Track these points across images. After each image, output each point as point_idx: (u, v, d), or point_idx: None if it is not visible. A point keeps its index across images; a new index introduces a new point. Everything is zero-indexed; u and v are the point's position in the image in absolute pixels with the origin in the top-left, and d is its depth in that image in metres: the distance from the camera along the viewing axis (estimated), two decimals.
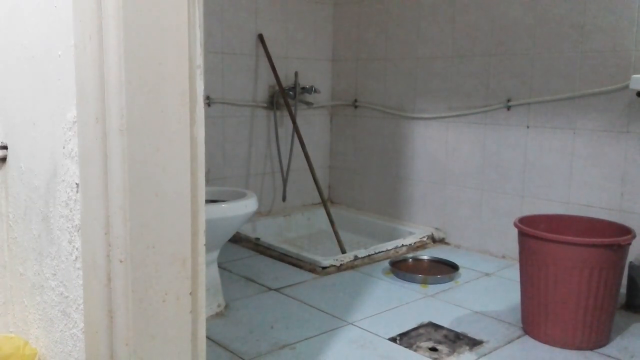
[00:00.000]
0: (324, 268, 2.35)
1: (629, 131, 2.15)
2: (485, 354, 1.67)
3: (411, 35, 2.84)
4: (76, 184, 0.97)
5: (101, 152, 0.92)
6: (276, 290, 2.16)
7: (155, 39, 0.91)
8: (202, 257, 1.03)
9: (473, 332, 1.81)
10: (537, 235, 1.72)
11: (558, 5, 2.30)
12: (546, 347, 1.73)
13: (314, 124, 3.22)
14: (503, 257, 2.57)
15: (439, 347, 1.71)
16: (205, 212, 1.03)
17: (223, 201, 1.87)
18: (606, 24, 2.17)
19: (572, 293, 1.67)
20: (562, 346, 1.71)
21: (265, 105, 2.99)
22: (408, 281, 2.27)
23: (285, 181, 3.11)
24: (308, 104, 3.11)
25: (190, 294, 1.02)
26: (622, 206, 2.18)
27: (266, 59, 2.91)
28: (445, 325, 1.86)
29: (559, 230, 1.88)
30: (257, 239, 2.67)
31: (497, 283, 2.27)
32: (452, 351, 1.68)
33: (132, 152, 0.91)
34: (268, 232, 2.89)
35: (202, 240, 1.03)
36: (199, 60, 0.98)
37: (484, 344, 1.74)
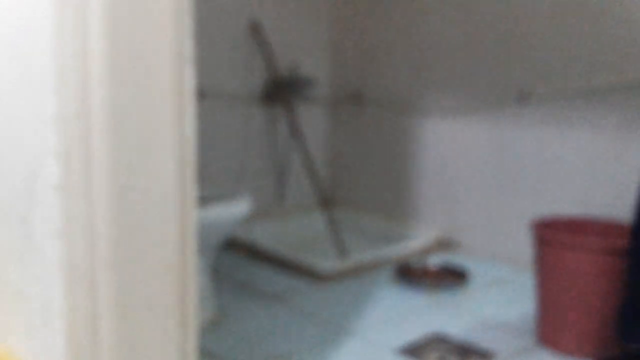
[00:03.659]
0: (324, 274, 2.35)
1: None
2: None
3: (418, 24, 2.83)
4: (57, 184, 0.97)
5: (83, 151, 0.92)
6: (273, 297, 2.16)
7: (142, 29, 0.90)
8: (192, 263, 1.03)
9: (483, 343, 1.81)
10: (554, 238, 1.71)
11: None
12: (561, 358, 1.72)
13: (314, 119, 3.22)
14: (516, 262, 2.56)
15: (447, 358, 1.71)
16: (195, 215, 1.03)
17: (215, 203, 1.87)
18: (629, 12, 2.16)
19: (591, 300, 1.67)
20: (579, 357, 1.71)
21: (261, 99, 2.99)
22: (414, 288, 2.27)
23: (283, 181, 3.11)
24: (307, 97, 3.11)
25: (180, 302, 1.01)
26: None
27: (262, 50, 2.90)
28: (454, 335, 1.86)
29: (578, 233, 1.87)
30: (253, 243, 2.67)
31: (509, 290, 2.27)
32: None
33: (117, 150, 0.90)
34: (264, 236, 2.88)
35: (192, 245, 1.03)
36: (188, 50, 0.98)
37: (494, 355, 1.74)
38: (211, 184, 2.74)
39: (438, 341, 1.82)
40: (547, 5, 2.38)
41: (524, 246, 2.38)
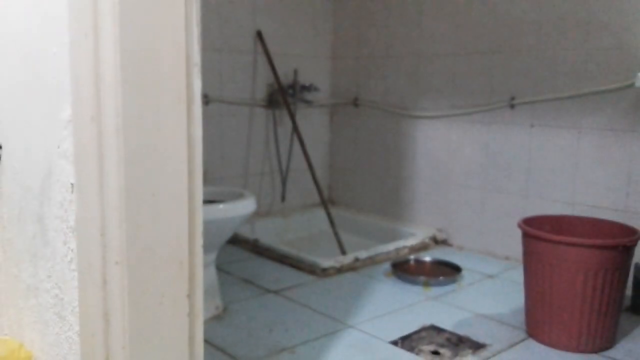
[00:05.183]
0: (323, 270, 2.35)
1: (635, 130, 2.15)
2: (489, 358, 1.68)
3: (413, 32, 2.84)
4: (71, 184, 0.97)
5: (96, 152, 0.92)
6: (275, 292, 2.17)
7: (152, 36, 0.91)
8: (199, 259, 1.03)
9: (476, 335, 1.81)
10: (541, 236, 1.72)
11: (563, 1, 2.30)
12: (550, 350, 1.73)
13: (314, 123, 3.22)
14: (507, 258, 2.57)
15: (441, 350, 1.71)
16: (202, 212, 1.04)
17: (221, 202, 1.88)
18: (612, 21, 2.17)
19: (577, 295, 1.68)
20: (567, 349, 1.72)
21: (264, 103, 2.99)
22: (410, 283, 2.27)
23: (284, 181, 3.12)
24: (308, 102, 3.11)
25: (188, 296, 1.02)
26: (627, 206, 2.18)
27: (265, 57, 2.91)
28: (448, 328, 1.87)
29: (564, 231, 1.88)
30: (256, 240, 2.68)
31: (500, 285, 2.27)
32: (455, 355, 1.69)
33: (128, 151, 0.91)
34: (267, 233, 2.89)
35: (199, 241, 1.03)
36: (196, 57, 0.98)
37: (487, 347, 1.74)
38: (216, 184, 2.75)
39: (432, 333, 1.83)
40: (533, 17, 2.38)
41: (514, 243, 2.39)
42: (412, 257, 2.56)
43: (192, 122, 0.98)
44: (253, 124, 2.99)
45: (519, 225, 1.81)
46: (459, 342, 1.77)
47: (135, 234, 0.93)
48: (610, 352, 1.72)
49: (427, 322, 1.91)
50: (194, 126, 0.99)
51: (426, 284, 2.25)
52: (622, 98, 2.18)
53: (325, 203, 2.77)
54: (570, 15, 2.29)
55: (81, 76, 0.91)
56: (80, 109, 0.92)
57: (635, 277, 2.02)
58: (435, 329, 1.86)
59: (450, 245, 2.78)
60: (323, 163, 3.31)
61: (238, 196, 1.94)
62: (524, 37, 2.43)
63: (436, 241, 2.78)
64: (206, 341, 1.69)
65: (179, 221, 0.98)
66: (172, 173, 0.96)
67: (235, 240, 2.73)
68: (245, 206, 1.88)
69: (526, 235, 1.79)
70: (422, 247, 2.71)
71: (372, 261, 2.50)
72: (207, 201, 1.93)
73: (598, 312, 1.68)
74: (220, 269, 2.33)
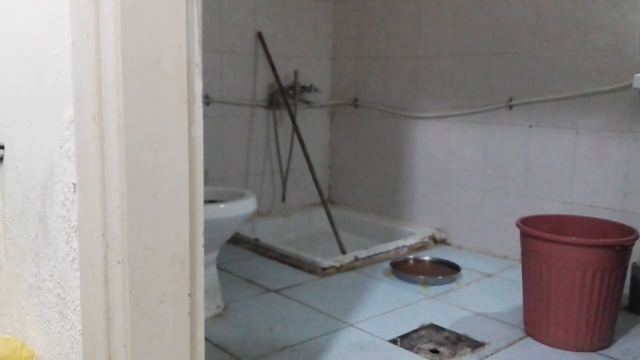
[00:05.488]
0: (323, 269, 2.35)
1: (632, 130, 2.15)
2: (487, 356, 1.68)
3: (412, 34, 2.84)
4: (73, 184, 0.97)
5: (98, 152, 0.92)
6: (276, 291, 2.17)
7: (154, 38, 0.91)
8: (200, 258, 1.03)
9: (475, 334, 1.82)
10: (539, 235, 1.72)
11: (561, 3, 2.30)
12: (548, 348, 1.73)
13: (314, 124, 3.22)
14: (505, 257, 2.57)
15: (440, 349, 1.72)
16: (203, 212, 1.04)
17: (222, 201, 1.88)
18: (609, 22, 2.17)
19: (575, 294, 1.68)
20: (565, 348, 1.72)
21: (264, 104, 2.99)
22: (409, 282, 2.27)
23: (284, 181, 3.12)
24: (308, 103, 3.11)
25: (189, 295, 1.02)
26: (625, 206, 2.18)
27: (265, 58, 2.91)
28: (447, 326, 1.87)
29: (562, 230, 1.88)
30: (257, 239, 2.68)
31: (499, 284, 2.27)
32: (454, 353, 1.69)
33: (130, 151, 0.91)
34: (267, 233, 2.89)
35: (200, 240, 1.03)
36: (198, 58, 0.98)
37: (485, 345, 1.74)
38: (217, 184, 2.75)
39: (431, 332, 1.83)
40: (531, 19, 2.38)
41: (512, 242, 2.39)
42: (411, 256, 2.56)
43: (193, 123, 0.98)
44: (254, 124, 2.99)
45: (517, 225, 1.81)
46: (457, 340, 1.77)
47: (137, 233, 0.93)
48: (608, 351, 1.72)
49: (426, 320, 1.91)
50: (195, 126, 0.99)
51: (425, 283, 2.25)
52: (619, 99, 2.18)
53: (325, 203, 2.77)
54: (568, 16, 2.29)
55: (83, 77, 0.91)
56: (82, 110, 0.92)
57: (632, 277, 2.02)
58: (434, 328, 1.86)
59: (449, 244, 2.78)
60: (323, 163, 3.31)
61: (239, 196, 1.94)
62: (522, 38, 2.43)
63: (435, 240, 2.78)
64: (207, 340, 1.69)
65: (180, 221, 0.98)
66: (174, 173, 0.96)
67: (236, 240, 2.73)
68: (246, 206, 1.88)
69: (524, 235, 1.79)
70: (422, 247, 2.71)
71: (372, 260, 2.51)
72: (208, 201, 1.93)
73: (596, 311, 1.69)
74: (221, 268, 2.33)
